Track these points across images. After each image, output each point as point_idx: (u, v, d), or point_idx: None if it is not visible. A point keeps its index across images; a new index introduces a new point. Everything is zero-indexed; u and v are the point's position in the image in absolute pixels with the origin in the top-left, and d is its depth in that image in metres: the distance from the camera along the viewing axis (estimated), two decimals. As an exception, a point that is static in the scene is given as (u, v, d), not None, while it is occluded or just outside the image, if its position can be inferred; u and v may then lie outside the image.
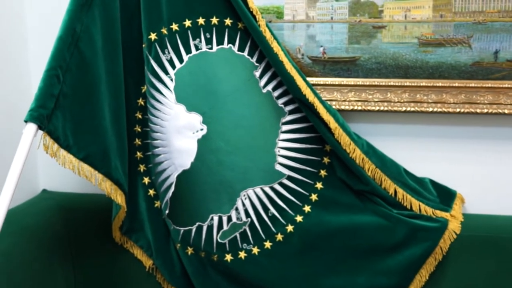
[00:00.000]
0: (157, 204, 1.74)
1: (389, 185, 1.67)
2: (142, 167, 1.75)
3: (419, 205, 1.66)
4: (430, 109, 1.68)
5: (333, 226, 1.67)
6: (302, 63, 1.72)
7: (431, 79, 1.66)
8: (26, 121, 1.32)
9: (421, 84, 1.67)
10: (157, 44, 1.61)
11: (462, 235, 1.61)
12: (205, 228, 1.66)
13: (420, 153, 1.73)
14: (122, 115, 1.62)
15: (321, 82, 1.73)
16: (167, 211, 1.68)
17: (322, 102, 1.63)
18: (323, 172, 1.69)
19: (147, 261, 1.77)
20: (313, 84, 1.68)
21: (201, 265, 1.70)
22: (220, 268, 1.69)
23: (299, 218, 1.68)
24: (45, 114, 1.34)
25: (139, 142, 1.74)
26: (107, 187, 1.52)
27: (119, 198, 1.57)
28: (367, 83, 1.70)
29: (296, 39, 1.71)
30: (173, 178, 1.66)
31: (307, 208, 1.68)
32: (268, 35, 1.60)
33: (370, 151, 1.67)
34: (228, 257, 1.67)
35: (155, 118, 1.65)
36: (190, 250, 1.70)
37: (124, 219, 1.75)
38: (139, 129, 1.73)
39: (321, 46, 1.70)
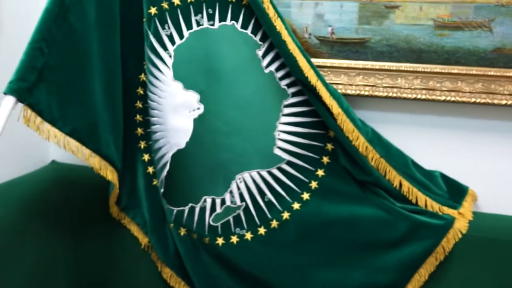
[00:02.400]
0: (156, 182, 1.71)
1: (394, 177, 1.56)
2: (142, 144, 1.72)
3: (426, 200, 1.55)
4: (443, 98, 1.55)
5: (331, 216, 1.58)
6: (309, 43, 1.63)
7: (446, 65, 1.53)
8: (5, 93, 1.32)
9: (435, 70, 1.54)
10: (157, 19, 1.55)
11: (469, 235, 1.49)
12: (197, 209, 1.62)
13: (431, 145, 1.61)
14: (117, 89, 1.59)
15: (328, 64, 1.62)
16: (162, 190, 1.65)
17: (326, 85, 1.53)
18: (325, 159, 1.61)
19: (143, 238, 1.75)
20: (320, 66, 1.59)
21: (194, 246, 1.66)
22: (212, 252, 1.64)
23: (296, 206, 1.60)
24: (25, 87, 1.33)
25: (140, 119, 1.70)
26: (95, 163, 1.50)
27: (109, 174, 1.55)
28: (377, 67, 1.59)
29: (303, 17, 1.61)
30: (168, 157, 1.62)
31: (305, 196, 1.60)
32: (271, 12, 1.52)
33: (375, 140, 1.57)
34: (220, 241, 1.62)
35: (153, 95, 1.61)
36: (183, 231, 1.66)
37: (123, 195, 1.73)
38: (140, 105, 1.69)
39: (330, 25, 1.60)
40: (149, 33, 1.57)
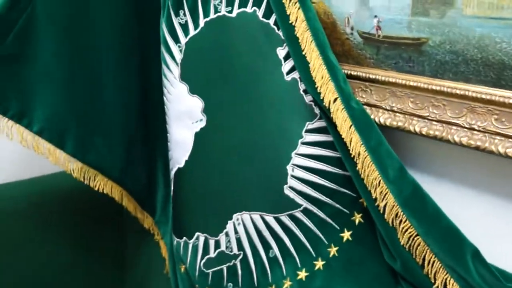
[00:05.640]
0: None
1: (437, 271, 0.95)
2: None
3: (484, 325, 0.89)
4: (539, 155, 0.84)
5: (337, 303, 1.07)
6: (351, 41, 1.08)
7: (547, 96, 0.82)
8: None
9: (525, 103, 0.84)
10: (169, 3, 1.25)
11: None
12: (190, 246, 1.27)
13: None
14: (126, 77, 1.35)
15: (371, 76, 1.06)
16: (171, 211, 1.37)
17: (350, 108, 1.01)
18: (357, 217, 1.09)
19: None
20: (357, 79, 1.05)
21: (191, 289, 1.33)
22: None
23: (302, 275, 1.13)
24: None
25: None
26: (73, 169, 1.29)
27: (99, 183, 1.33)
28: (433, 87, 0.95)
29: (345, 4, 1.07)
30: (172, 174, 1.31)
31: (318, 264, 1.12)
32: None
33: (416, 204, 0.96)
34: (208, 293, 1.25)
35: (163, 97, 1.32)
36: (183, 267, 1.34)
37: (157, 206, 1.50)
38: None
39: (375, 16, 1.03)
40: (162, 21, 1.28)
